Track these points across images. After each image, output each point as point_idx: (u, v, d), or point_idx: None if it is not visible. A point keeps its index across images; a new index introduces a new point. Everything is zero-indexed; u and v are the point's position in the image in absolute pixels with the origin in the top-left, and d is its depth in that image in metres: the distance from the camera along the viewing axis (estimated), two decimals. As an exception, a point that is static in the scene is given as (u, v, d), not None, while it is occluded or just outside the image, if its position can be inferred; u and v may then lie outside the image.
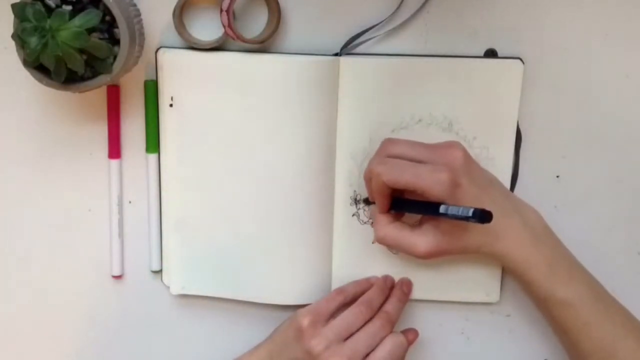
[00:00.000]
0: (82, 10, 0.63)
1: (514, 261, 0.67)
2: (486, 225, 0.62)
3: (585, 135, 0.71)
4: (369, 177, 0.67)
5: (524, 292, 0.71)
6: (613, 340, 0.66)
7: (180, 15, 0.69)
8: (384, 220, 0.68)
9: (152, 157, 0.73)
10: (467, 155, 0.66)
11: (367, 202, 0.72)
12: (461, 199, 0.64)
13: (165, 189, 0.73)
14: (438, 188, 0.63)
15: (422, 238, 0.66)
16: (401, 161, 0.65)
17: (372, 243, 0.72)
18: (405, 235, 0.67)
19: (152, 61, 0.71)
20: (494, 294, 0.74)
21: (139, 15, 0.68)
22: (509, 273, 0.70)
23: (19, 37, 0.62)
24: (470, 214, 0.60)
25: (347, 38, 0.70)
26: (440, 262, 0.73)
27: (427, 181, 0.63)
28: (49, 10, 0.62)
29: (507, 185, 0.71)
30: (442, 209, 0.63)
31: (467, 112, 0.70)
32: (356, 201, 0.73)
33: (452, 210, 0.62)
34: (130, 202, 0.75)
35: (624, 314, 0.68)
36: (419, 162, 0.65)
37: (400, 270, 0.73)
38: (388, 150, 0.67)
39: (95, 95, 0.72)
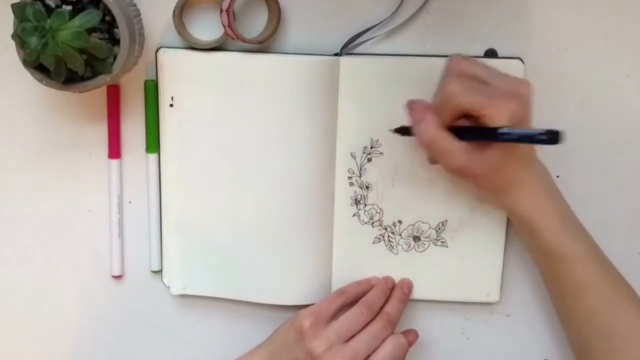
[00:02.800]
0: (82, 10, 0.63)
1: (528, 210, 0.66)
2: (516, 169, 0.62)
3: (585, 135, 0.71)
4: (443, 99, 0.62)
5: (529, 246, 0.69)
6: (612, 304, 0.66)
7: (180, 15, 0.69)
8: (437, 125, 0.63)
9: (152, 157, 0.73)
10: (532, 95, 0.63)
11: (403, 131, 0.68)
12: None
13: (165, 189, 0.73)
14: (506, 115, 0.60)
15: (462, 152, 0.63)
16: (477, 84, 0.62)
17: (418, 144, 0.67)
18: (452, 143, 0.63)
19: (152, 61, 0.71)
20: (494, 294, 0.74)
21: (139, 15, 0.68)
22: (518, 225, 0.69)
23: (19, 37, 0.62)
24: (543, 137, 0.58)
25: (347, 38, 0.70)
26: (440, 262, 0.73)
27: (500, 107, 0.60)
28: (49, 10, 0.62)
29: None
30: (502, 134, 0.60)
31: (467, 112, 0.70)
32: (356, 201, 0.73)
33: (517, 135, 0.59)
34: (130, 202, 0.75)
35: (623, 281, 0.67)
36: (488, 84, 0.62)
37: (400, 270, 0.73)
38: (460, 67, 0.63)
39: (95, 95, 0.72)
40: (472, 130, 0.63)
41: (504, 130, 0.60)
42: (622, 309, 0.66)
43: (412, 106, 0.65)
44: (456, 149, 0.63)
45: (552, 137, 0.58)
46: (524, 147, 0.64)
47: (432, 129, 0.63)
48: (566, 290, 0.67)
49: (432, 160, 0.68)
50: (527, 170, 0.65)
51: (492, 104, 0.60)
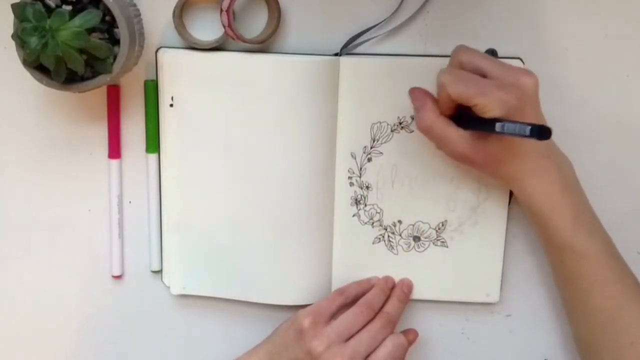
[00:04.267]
0: (82, 10, 0.63)
1: (541, 203, 0.65)
2: (524, 160, 0.61)
3: (585, 135, 0.71)
4: (437, 89, 0.64)
5: (540, 238, 0.69)
6: (621, 301, 0.65)
7: (180, 15, 0.69)
8: (435, 112, 0.64)
9: (152, 157, 0.73)
10: (537, 86, 0.63)
11: None
12: None
13: (165, 189, 0.73)
14: (498, 107, 0.60)
15: (462, 139, 0.64)
16: (469, 74, 0.62)
17: (413, 130, 0.70)
18: (450, 130, 0.64)
19: (152, 61, 0.71)
20: (494, 294, 0.74)
21: (139, 15, 0.68)
22: (530, 216, 0.68)
23: (19, 37, 0.62)
24: (527, 131, 0.57)
25: (347, 38, 0.70)
26: (440, 262, 0.73)
27: (490, 97, 0.60)
28: (49, 10, 0.62)
29: (507, 185, 0.71)
30: (498, 126, 0.60)
31: (467, 112, 0.70)
32: (356, 201, 0.73)
33: (508, 128, 0.59)
34: (130, 202, 0.75)
35: (635, 279, 0.67)
36: (487, 76, 0.62)
37: (400, 270, 0.73)
38: (460, 57, 0.64)
39: (95, 95, 0.72)
40: (469, 119, 0.63)
41: (497, 126, 0.60)
42: (631, 307, 0.65)
43: (413, 93, 0.66)
44: (454, 135, 0.63)
45: (538, 132, 0.57)
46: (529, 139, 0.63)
47: (430, 115, 0.64)
48: (575, 285, 0.67)
49: (437, 146, 0.67)
50: (542, 162, 0.65)
51: (482, 95, 0.60)
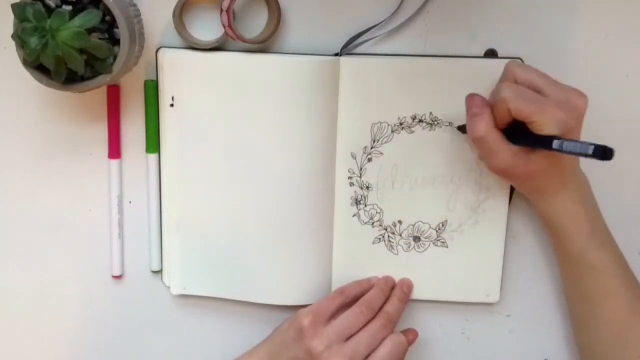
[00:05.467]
0: (82, 10, 0.63)
1: (560, 216, 0.67)
2: (558, 176, 0.63)
3: (585, 136, 0.71)
4: (495, 103, 0.64)
5: (555, 250, 0.70)
6: (630, 313, 0.66)
7: (180, 15, 0.69)
8: (491, 123, 0.64)
9: (152, 157, 0.73)
10: (586, 107, 0.64)
11: (463, 129, 0.70)
12: None
13: (165, 189, 0.73)
14: (555, 125, 0.61)
15: (508, 153, 0.64)
16: (529, 91, 0.63)
17: (465, 141, 0.70)
18: (501, 144, 0.64)
19: (152, 61, 0.71)
20: (494, 294, 0.74)
21: (139, 15, 0.68)
22: (548, 228, 0.69)
23: (19, 37, 0.62)
24: (590, 151, 0.58)
25: (347, 38, 0.70)
26: (440, 262, 0.73)
27: (548, 116, 0.61)
28: (49, 10, 0.62)
29: (507, 184, 0.71)
30: (556, 144, 0.60)
31: (467, 112, 0.70)
32: (357, 201, 0.73)
33: (568, 146, 0.60)
34: (130, 202, 0.75)
35: None
36: (542, 93, 0.63)
37: (400, 270, 0.73)
38: (516, 74, 0.64)
39: (95, 95, 0.72)
40: (523, 134, 0.63)
41: (554, 140, 0.61)
42: (639, 320, 0.66)
43: (471, 99, 0.66)
44: (503, 149, 0.64)
45: (601, 152, 0.58)
46: (568, 155, 0.64)
47: (485, 125, 0.64)
48: (586, 297, 0.68)
49: (481, 156, 0.68)
50: (567, 178, 0.66)
51: (542, 113, 0.61)
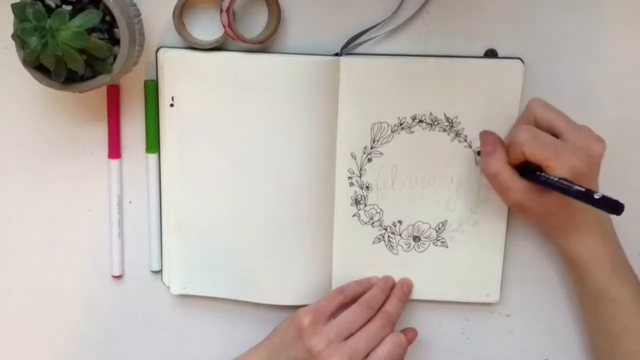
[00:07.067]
0: (82, 10, 0.63)
1: (581, 253, 0.68)
2: (574, 214, 0.64)
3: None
4: (511, 143, 0.65)
5: (576, 284, 0.71)
6: None
7: (180, 15, 0.69)
8: (504, 161, 0.66)
9: (152, 157, 0.73)
10: (604, 153, 0.65)
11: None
12: None
13: (165, 189, 0.73)
14: (568, 170, 0.63)
15: (521, 190, 0.65)
16: (545, 136, 0.64)
17: (481, 173, 0.69)
18: (514, 181, 0.66)
19: (152, 61, 0.71)
20: (494, 294, 0.74)
21: (139, 15, 0.68)
22: (570, 264, 0.70)
23: (19, 37, 0.62)
24: (599, 199, 0.60)
25: (347, 38, 0.70)
26: (440, 262, 0.73)
27: (562, 162, 0.63)
28: (49, 10, 0.62)
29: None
30: (564, 183, 0.62)
31: (467, 112, 0.70)
32: (356, 201, 0.73)
33: (575, 188, 0.61)
34: (130, 202, 0.75)
35: None
36: (560, 136, 0.64)
37: (400, 270, 0.73)
38: (537, 114, 0.66)
39: (95, 95, 0.72)
40: (534, 172, 0.65)
41: (564, 183, 0.62)
42: None
43: (485, 137, 0.68)
44: (517, 186, 0.65)
45: (608, 204, 0.60)
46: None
47: (498, 164, 0.66)
48: (607, 331, 0.68)
49: (495, 190, 0.69)
50: (586, 216, 0.67)
51: (556, 159, 0.63)
